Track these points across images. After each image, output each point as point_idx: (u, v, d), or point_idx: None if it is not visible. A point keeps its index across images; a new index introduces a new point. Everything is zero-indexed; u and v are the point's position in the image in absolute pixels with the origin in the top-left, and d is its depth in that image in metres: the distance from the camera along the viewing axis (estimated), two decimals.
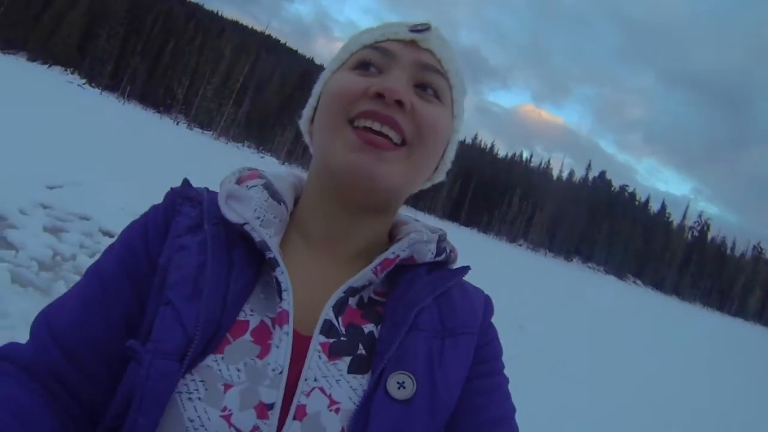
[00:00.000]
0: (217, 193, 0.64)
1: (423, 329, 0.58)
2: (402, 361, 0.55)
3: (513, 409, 0.63)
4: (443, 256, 0.66)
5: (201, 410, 0.49)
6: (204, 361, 0.51)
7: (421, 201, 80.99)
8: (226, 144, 59.42)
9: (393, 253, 0.62)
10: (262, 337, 0.54)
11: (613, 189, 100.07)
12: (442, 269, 0.66)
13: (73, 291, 0.61)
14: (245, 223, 0.59)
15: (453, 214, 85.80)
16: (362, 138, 0.58)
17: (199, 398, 0.50)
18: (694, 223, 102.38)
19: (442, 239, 0.68)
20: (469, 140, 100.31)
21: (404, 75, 0.62)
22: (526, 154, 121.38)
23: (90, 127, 15.87)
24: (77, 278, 0.94)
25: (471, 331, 0.62)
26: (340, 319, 0.58)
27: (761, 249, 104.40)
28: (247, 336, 0.54)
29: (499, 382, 0.64)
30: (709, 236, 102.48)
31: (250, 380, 0.51)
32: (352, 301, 0.60)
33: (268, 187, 0.65)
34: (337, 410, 0.52)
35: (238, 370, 0.52)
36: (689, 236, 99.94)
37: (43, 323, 0.57)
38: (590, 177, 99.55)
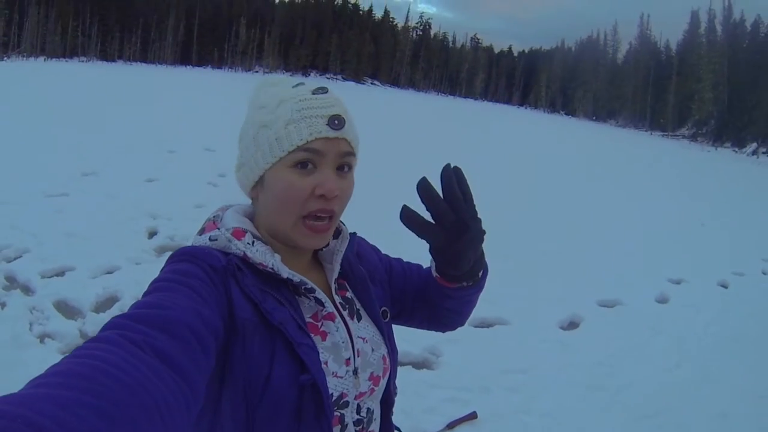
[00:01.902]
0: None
1: (366, 281, 1.05)
2: (373, 302, 1.03)
3: (409, 262, 1.23)
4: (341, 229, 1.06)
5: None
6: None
7: (149, 54, 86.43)
8: None
9: (340, 251, 1.02)
10: (329, 328, 0.93)
11: (336, 3, 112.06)
12: (341, 239, 1.04)
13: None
14: (292, 277, 0.90)
15: (183, 58, 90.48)
16: (313, 230, 0.91)
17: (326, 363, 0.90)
18: (417, 23, 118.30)
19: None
20: None
21: (331, 168, 0.90)
22: None
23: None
24: None
25: (377, 267, 1.13)
26: (338, 296, 1.00)
27: (478, 39, 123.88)
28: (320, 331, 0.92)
29: (395, 264, 1.20)
30: (432, 33, 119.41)
31: (336, 350, 0.92)
32: (335, 286, 1.01)
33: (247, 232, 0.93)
34: (365, 340, 0.98)
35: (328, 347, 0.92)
36: (414, 35, 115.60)
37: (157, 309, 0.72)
38: None
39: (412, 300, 1.17)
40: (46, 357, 3.66)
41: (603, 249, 8.05)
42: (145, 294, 0.79)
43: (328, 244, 1.04)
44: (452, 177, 0.94)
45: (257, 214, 0.99)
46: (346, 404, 0.92)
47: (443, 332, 1.27)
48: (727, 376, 4.49)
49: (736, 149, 52.86)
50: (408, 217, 0.95)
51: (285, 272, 0.89)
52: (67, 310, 4.36)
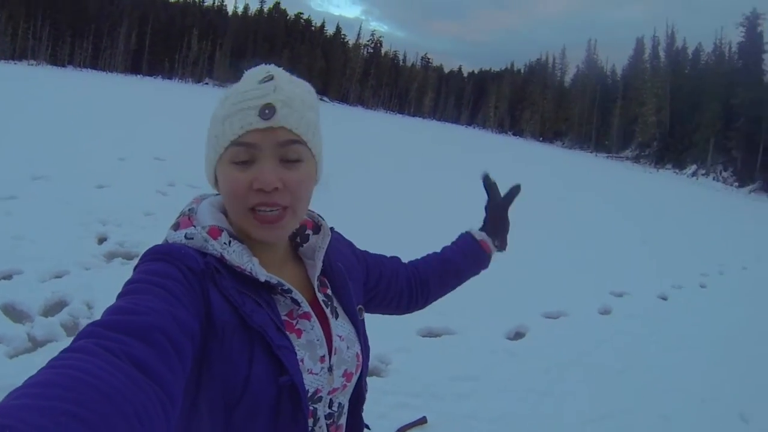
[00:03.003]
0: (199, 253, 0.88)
1: (346, 278, 1.07)
2: (351, 299, 1.05)
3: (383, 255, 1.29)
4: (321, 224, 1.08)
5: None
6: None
7: (100, 61, 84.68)
8: None
9: (322, 247, 1.03)
10: (304, 326, 0.94)
11: (288, 18, 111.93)
12: (323, 234, 1.06)
13: None
14: (270, 280, 0.90)
15: (134, 66, 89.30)
16: (262, 221, 0.89)
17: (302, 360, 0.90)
18: (368, 41, 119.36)
19: (317, 215, 1.09)
20: None
21: (270, 160, 0.87)
22: None
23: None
24: None
25: (353, 263, 1.15)
26: (321, 294, 1.01)
27: (429, 59, 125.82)
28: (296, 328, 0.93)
29: (368, 255, 1.24)
30: (383, 51, 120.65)
31: (311, 347, 0.93)
32: (317, 283, 1.02)
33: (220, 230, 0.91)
34: (341, 338, 0.99)
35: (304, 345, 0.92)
36: (365, 53, 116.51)
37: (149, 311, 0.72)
38: (265, 9, 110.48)
39: (387, 282, 1.26)
40: None
41: (548, 263, 8.23)
42: (119, 296, 0.78)
43: (308, 240, 1.05)
44: (494, 182, 1.47)
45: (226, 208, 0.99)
46: (320, 399, 0.94)
47: (407, 312, 1.37)
48: (670, 381, 4.67)
49: (677, 171, 55.09)
50: (488, 181, 1.47)
51: (263, 276, 0.89)
52: (14, 313, 4.25)
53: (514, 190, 1.46)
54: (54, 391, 0.53)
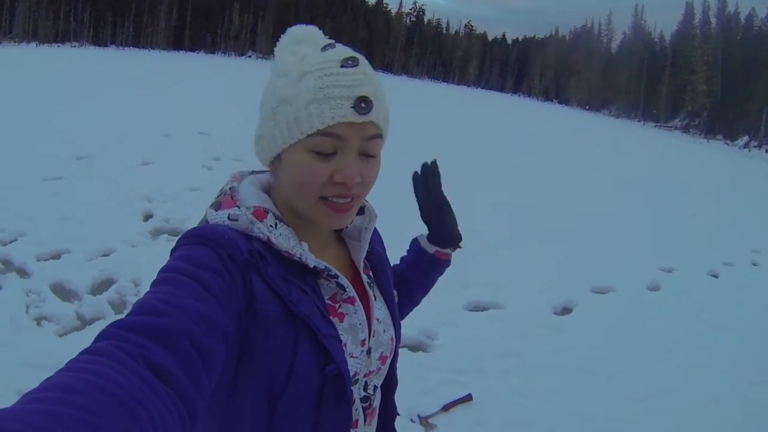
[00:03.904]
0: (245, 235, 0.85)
1: (384, 262, 1.08)
2: (389, 282, 1.05)
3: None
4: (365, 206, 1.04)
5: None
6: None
7: (141, 39, 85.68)
8: None
9: (368, 228, 1.01)
10: (348, 310, 0.92)
11: None
12: (369, 216, 1.03)
13: None
14: (318, 265, 0.88)
15: (176, 42, 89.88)
16: (334, 210, 0.86)
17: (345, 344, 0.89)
18: (410, 9, 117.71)
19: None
20: None
21: (354, 154, 0.85)
22: None
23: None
24: None
25: (384, 250, 1.12)
26: (365, 275, 1.00)
27: (472, 26, 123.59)
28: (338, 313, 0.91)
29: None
30: (425, 20, 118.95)
31: (353, 331, 0.92)
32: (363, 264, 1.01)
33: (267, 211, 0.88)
34: (379, 321, 0.98)
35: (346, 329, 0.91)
36: (408, 21, 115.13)
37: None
38: None
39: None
40: (43, 339, 3.70)
41: (596, 237, 8.11)
42: (153, 284, 0.75)
43: (352, 221, 1.02)
44: (428, 174, 1.23)
45: (276, 187, 0.94)
46: (356, 381, 0.93)
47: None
48: (718, 363, 4.57)
49: (728, 142, 53.07)
50: (417, 176, 1.24)
51: (312, 261, 0.86)
52: (63, 292, 4.37)
53: (429, 176, 1.23)
54: (67, 397, 0.51)
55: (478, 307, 5.06)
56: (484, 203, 8.44)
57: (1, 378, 3.03)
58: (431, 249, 1.27)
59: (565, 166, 15.29)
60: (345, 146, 0.84)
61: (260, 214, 0.86)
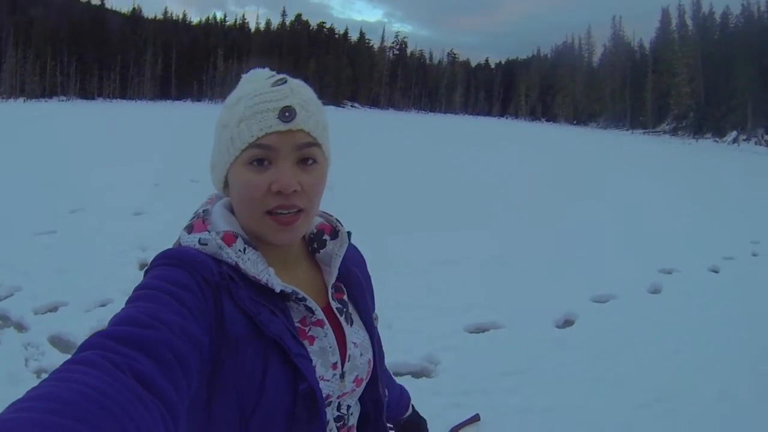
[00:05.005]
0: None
1: (363, 286, 1.06)
2: (367, 306, 1.04)
3: None
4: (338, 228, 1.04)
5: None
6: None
7: (128, 90, 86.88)
8: None
9: (338, 255, 1.00)
10: (317, 333, 0.92)
11: (311, 28, 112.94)
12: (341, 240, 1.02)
13: None
14: (285, 289, 0.88)
15: (163, 92, 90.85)
16: (279, 222, 0.87)
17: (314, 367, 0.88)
18: (393, 43, 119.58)
19: (335, 219, 1.06)
20: (159, 15, 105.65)
21: (288, 162, 0.87)
22: (219, 15, 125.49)
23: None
24: None
25: (367, 277, 1.10)
26: (335, 300, 0.99)
27: (455, 54, 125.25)
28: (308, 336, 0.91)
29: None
30: (408, 52, 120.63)
31: (323, 354, 0.91)
32: (332, 290, 1.00)
33: (236, 236, 0.89)
34: (356, 345, 0.97)
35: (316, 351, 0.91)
36: (391, 55, 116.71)
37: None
38: (287, 22, 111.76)
39: None
40: None
41: (592, 245, 8.07)
42: (129, 301, 0.77)
43: (325, 245, 1.02)
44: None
45: (235, 212, 0.96)
46: (329, 403, 0.93)
47: None
48: (726, 357, 4.50)
49: (717, 139, 53.45)
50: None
51: (278, 286, 0.88)
52: (62, 344, 4.34)
53: None
54: (55, 406, 0.51)
55: (478, 329, 4.99)
56: (472, 224, 8.43)
57: None
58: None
59: (559, 178, 15.33)
60: (277, 156, 0.87)
61: (229, 238, 0.89)
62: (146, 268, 0.87)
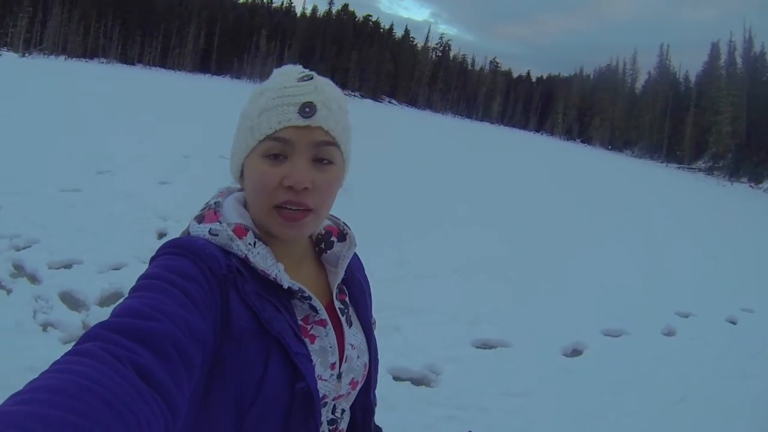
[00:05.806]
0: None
1: (364, 290, 1.08)
2: (367, 310, 1.06)
3: None
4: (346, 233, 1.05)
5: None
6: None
7: (168, 60, 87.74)
8: None
9: (346, 257, 1.01)
10: (319, 332, 0.92)
11: (357, 20, 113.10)
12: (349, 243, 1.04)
13: None
14: (292, 286, 0.88)
15: (203, 65, 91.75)
16: (286, 218, 0.87)
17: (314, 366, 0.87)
18: (437, 44, 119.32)
19: (342, 223, 1.07)
20: None
21: (303, 159, 0.87)
22: None
23: None
24: None
25: (366, 278, 1.12)
26: (338, 301, 1.00)
27: (497, 63, 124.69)
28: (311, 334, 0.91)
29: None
30: (451, 55, 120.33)
31: (323, 353, 0.91)
32: (336, 290, 1.00)
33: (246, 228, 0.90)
34: (353, 347, 0.98)
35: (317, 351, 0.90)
36: (433, 56, 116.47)
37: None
38: (333, 11, 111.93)
39: None
40: (48, 345, 3.71)
41: (612, 278, 7.96)
42: (133, 290, 0.77)
43: (332, 247, 1.03)
44: None
45: (248, 204, 0.96)
46: (325, 404, 0.93)
47: None
48: (734, 412, 4.40)
49: (753, 185, 52.41)
50: None
51: (286, 282, 0.88)
52: (71, 301, 4.42)
53: None
54: (56, 398, 0.51)
55: (485, 345, 4.96)
56: (495, 237, 8.36)
57: (3, 379, 3.02)
58: None
59: (584, 205, 15.18)
60: (293, 151, 0.88)
61: (240, 231, 0.89)
62: (152, 255, 0.87)
